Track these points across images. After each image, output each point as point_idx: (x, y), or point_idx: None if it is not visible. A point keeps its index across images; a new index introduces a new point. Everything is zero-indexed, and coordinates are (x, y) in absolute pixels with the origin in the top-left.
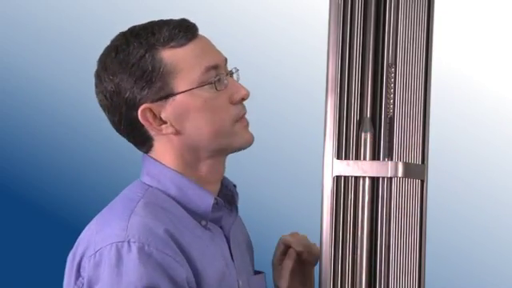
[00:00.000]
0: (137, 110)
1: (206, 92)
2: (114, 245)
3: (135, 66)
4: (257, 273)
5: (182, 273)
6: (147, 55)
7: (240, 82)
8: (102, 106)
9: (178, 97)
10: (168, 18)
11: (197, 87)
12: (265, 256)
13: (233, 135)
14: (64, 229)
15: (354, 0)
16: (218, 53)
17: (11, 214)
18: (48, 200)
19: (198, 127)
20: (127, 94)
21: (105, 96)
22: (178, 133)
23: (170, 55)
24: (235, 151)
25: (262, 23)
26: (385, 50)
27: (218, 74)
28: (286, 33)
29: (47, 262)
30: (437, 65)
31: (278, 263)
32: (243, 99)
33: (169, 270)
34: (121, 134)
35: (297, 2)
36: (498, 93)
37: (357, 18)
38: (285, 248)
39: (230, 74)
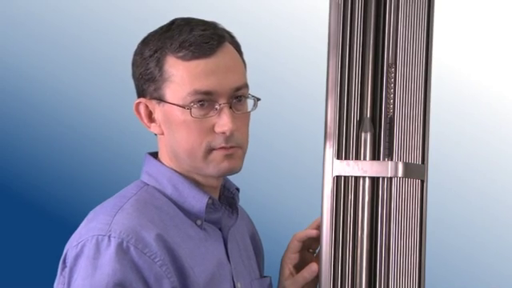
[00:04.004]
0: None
1: (187, 112)
2: (95, 237)
3: (145, 60)
4: (263, 277)
5: (161, 276)
6: (155, 55)
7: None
8: None
9: (167, 105)
10: (196, 17)
11: (178, 105)
12: (265, 257)
13: (205, 162)
14: (64, 229)
15: (354, 0)
16: (225, 79)
17: (11, 214)
18: (48, 200)
19: (177, 140)
20: (136, 82)
21: (131, 73)
22: (164, 136)
23: (172, 64)
24: (209, 177)
25: (262, 23)
26: (385, 50)
27: (209, 100)
28: (287, 33)
29: (47, 262)
30: (437, 65)
31: (289, 261)
32: (223, 133)
33: (143, 270)
34: None
35: (297, 2)
36: (498, 93)
37: (357, 18)
38: (299, 245)
39: (232, 102)
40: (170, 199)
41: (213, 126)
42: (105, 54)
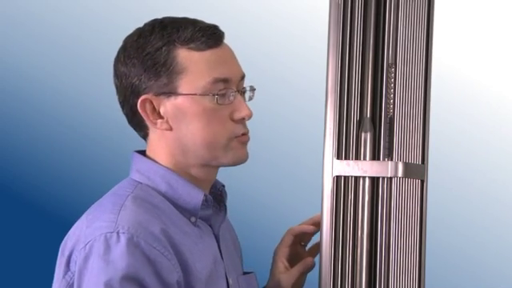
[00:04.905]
0: (138, 98)
1: (207, 101)
2: (103, 235)
3: (149, 56)
4: (246, 273)
5: (171, 270)
6: (163, 49)
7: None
8: (114, 83)
9: (180, 97)
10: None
11: (199, 94)
12: (264, 256)
13: (224, 150)
14: (64, 229)
15: (354, 0)
16: (235, 67)
17: (11, 214)
18: (48, 200)
19: (193, 132)
20: (134, 80)
21: (116, 75)
22: (172, 131)
23: (184, 56)
24: (222, 166)
25: (263, 23)
26: (385, 50)
27: (226, 87)
28: (287, 33)
29: (47, 262)
30: (437, 65)
31: (282, 255)
32: (243, 119)
33: (155, 263)
34: (124, 114)
35: (297, 2)
36: (498, 93)
37: (357, 18)
38: (293, 239)
39: (242, 91)
40: (165, 197)
41: (229, 114)
42: (105, 54)
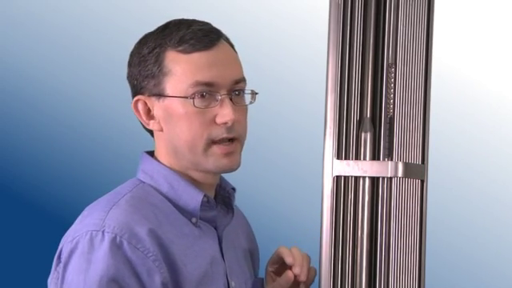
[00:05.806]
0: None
1: (189, 104)
2: (89, 233)
3: (144, 57)
4: (257, 278)
5: (153, 271)
6: (155, 51)
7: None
8: None
9: (167, 99)
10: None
11: (179, 97)
12: (264, 256)
13: (205, 156)
14: (64, 229)
15: (354, 0)
16: (226, 71)
17: (11, 214)
18: (48, 200)
19: (178, 134)
20: (133, 80)
21: (126, 74)
22: (163, 132)
23: (172, 58)
24: (208, 173)
25: (262, 23)
26: (385, 50)
27: (210, 90)
28: (286, 33)
29: (47, 262)
30: (437, 65)
31: (270, 269)
32: (225, 124)
33: (136, 265)
34: None
35: (297, 2)
36: (498, 93)
37: (357, 18)
38: (278, 258)
39: (232, 94)
40: (166, 197)
41: (214, 118)
42: (105, 54)
